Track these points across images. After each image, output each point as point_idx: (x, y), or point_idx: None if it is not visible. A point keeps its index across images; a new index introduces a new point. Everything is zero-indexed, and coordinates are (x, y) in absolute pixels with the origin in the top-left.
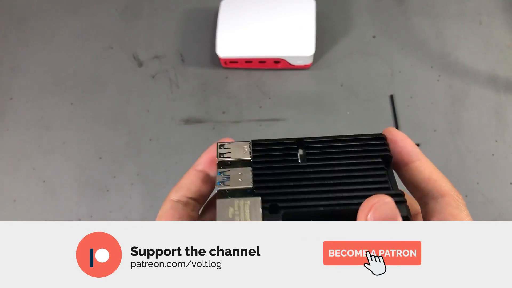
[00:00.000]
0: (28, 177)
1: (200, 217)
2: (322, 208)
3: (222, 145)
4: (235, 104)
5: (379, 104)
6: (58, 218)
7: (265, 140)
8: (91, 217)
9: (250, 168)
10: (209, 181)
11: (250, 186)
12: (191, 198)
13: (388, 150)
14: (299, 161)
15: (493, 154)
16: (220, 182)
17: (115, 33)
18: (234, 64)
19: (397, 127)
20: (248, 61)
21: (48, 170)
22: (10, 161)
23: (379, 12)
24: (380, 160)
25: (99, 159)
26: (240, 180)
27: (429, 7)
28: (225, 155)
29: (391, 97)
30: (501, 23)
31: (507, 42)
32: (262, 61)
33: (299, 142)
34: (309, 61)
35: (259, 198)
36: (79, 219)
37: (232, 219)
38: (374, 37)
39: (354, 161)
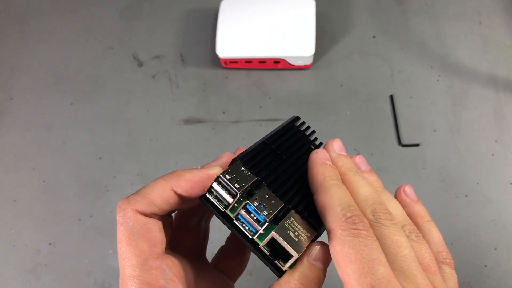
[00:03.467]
0: (28, 177)
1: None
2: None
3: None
4: (235, 104)
5: (379, 104)
6: (58, 218)
7: (244, 154)
8: (91, 217)
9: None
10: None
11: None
12: (155, 213)
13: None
14: (283, 156)
15: (493, 154)
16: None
17: (115, 33)
18: (234, 64)
19: (397, 127)
20: (248, 61)
21: (48, 170)
22: (10, 161)
23: (379, 12)
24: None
25: (99, 159)
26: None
27: (429, 7)
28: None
29: (391, 97)
30: (501, 23)
31: (507, 42)
32: (262, 61)
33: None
34: (309, 61)
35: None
36: (79, 219)
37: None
38: (374, 37)
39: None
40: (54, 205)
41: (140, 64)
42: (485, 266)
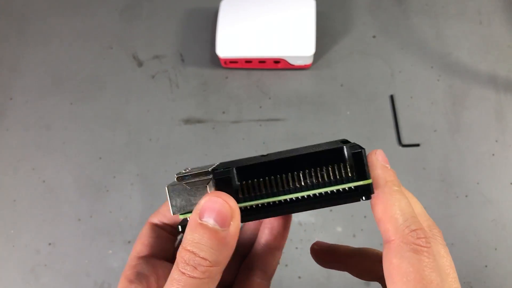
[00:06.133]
0: (28, 177)
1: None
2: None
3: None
4: (235, 104)
5: (379, 104)
6: (57, 218)
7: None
8: (91, 217)
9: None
10: None
11: (209, 170)
12: (167, 224)
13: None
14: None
15: (493, 154)
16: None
17: (115, 33)
18: (234, 64)
19: (397, 127)
20: (248, 61)
21: (48, 170)
22: (10, 161)
23: (379, 12)
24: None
25: (99, 159)
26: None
27: (429, 7)
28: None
29: (391, 97)
30: (501, 23)
31: (507, 42)
32: (262, 61)
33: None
34: (309, 61)
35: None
36: (79, 219)
37: (184, 174)
38: (374, 37)
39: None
40: (53, 205)
41: (140, 64)
42: (486, 266)
